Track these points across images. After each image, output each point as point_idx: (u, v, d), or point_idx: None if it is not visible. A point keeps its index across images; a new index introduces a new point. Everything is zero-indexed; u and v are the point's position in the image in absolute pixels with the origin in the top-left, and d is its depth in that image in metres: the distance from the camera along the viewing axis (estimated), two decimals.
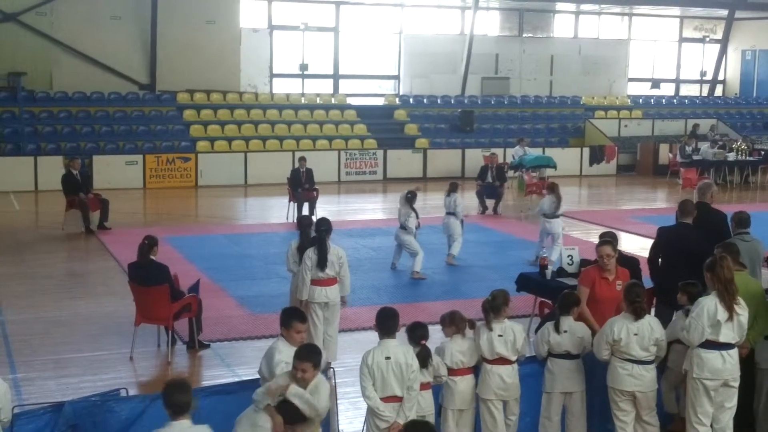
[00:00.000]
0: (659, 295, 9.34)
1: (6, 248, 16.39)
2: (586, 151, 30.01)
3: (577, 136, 31.45)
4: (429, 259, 14.76)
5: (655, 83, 37.70)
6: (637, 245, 15.97)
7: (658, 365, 7.48)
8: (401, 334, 6.95)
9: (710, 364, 7.10)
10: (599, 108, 33.51)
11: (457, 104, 31.75)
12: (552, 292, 10.03)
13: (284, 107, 29.22)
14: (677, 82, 38.57)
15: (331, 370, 7.35)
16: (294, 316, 6.73)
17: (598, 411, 7.69)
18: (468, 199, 21.56)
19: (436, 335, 7.43)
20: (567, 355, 7.50)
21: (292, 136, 27.91)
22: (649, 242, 10.17)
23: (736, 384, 7.22)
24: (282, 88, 31.20)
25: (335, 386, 7.21)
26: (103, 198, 18.39)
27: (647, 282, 9.30)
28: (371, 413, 6.64)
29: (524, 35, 34.83)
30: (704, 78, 38.27)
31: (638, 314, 7.28)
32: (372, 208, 22.90)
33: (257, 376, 6.82)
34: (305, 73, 31.21)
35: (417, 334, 7.06)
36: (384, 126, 29.74)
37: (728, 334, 7.10)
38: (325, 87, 32.09)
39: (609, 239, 8.76)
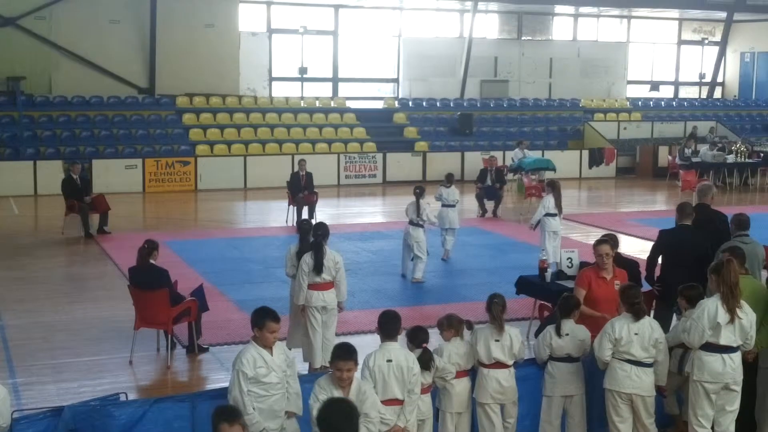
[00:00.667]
0: (659, 298, 9.33)
1: (5, 253, 16.38)
2: (586, 153, 30.02)
3: (577, 139, 31.46)
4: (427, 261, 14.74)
5: (654, 86, 37.71)
6: (636, 248, 15.96)
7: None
8: (401, 337, 6.95)
9: (710, 367, 7.10)
10: (598, 110, 33.53)
11: (457, 107, 31.76)
12: (551, 294, 10.03)
13: (283, 111, 29.23)
14: (676, 84, 38.59)
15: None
16: (267, 316, 6.60)
17: (597, 415, 7.68)
18: (467, 202, 21.60)
19: (433, 338, 7.42)
20: (568, 359, 7.50)
21: (292, 139, 27.91)
22: (649, 245, 10.17)
23: (738, 387, 7.20)
24: (281, 91, 31.21)
25: None
26: (105, 202, 18.33)
27: (646, 285, 9.31)
28: None
29: (523, 38, 34.85)
30: (703, 80, 38.28)
31: (638, 315, 7.28)
32: (371, 212, 22.89)
33: None
34: (304, 76, 31.21)
35: (418, 338, 7.06)
36: (383, 129, 29.74)
37: (729, 337, 7.09)
38: (324, 90, 32.09)
39: (606, 238, 8.77)
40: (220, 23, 29.26)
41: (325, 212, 19.91)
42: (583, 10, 35.35)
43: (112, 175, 24.28)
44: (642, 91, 37.39)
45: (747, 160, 27.57)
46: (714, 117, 34.35)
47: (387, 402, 6.53)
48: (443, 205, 15.74)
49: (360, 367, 6.58)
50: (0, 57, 26.71)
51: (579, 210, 22.33)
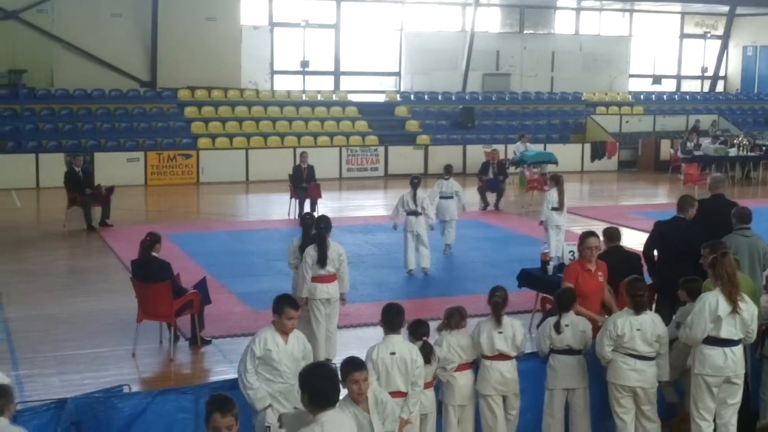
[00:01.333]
0: (657, 290, 9.33)
1: (8, 245, 16.40)
2: (588, 147, 30.00)
3: (579, 133, 31.42)
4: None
5: (657, 79, 37.65)
6: (638, 241, 15.86)
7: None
8: (404, 330, 6.95)
9: (711, 361, 7.10)
10: (600, 104, 33.47)
11: (458, 101, 31.72)
12: (553, 287, 10.00)
13: (285, 104, 29.22)
14: (678, 78, 38.53)
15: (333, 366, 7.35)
16: (286, 303, 6.76)
17: (599, 408, 7.68)
18: (470, 195, 21.58)
19: (435, 332, 7.44)
20: (569, 351, 7.50)
21: (294, 132, 27.90)
22: None
23: (740, 381, 7.21)
24: (283, 85, 31.18)
25: None
26: (107, 187, 18.27)
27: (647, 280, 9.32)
28: None
29: (525, 32, 34.80)
30: (705, 74, 38.21)
31: (639, 308, 7.28)
32: (373, 205, 22.89)
33: None
34: (306, 69, 31.19)
35: (419, 331, 7.07)
36: (385, 122, 29.73)
37: (730, 330, 7.09)
38: (326, 84, 32.06)
39: (593, 231, 8.84)
40: (222, 16, 29.23)
41: (327, 205, 19.92)
42: (585, 3, 35.32)
43: (114, 168, 24.26)
44: (644, 85, 37.33)
45: (749, 153, 27.56)
46: (716, 111, 34.29)
47: (390, 395, 6.53)
48: (441, 197, 15.65)
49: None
50: (2, 50, 26.70)
51: (581, 203, 22.32)
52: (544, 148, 27.62)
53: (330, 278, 9.59)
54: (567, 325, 7.51)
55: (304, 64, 31.01)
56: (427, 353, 6.94)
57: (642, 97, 35.19)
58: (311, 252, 9.51)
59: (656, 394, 7.45)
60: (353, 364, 5.74)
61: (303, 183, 19.37)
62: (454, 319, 7.36)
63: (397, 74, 33.32)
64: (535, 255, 13.19)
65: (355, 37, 32.49)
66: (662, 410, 7.66)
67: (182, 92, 28.24)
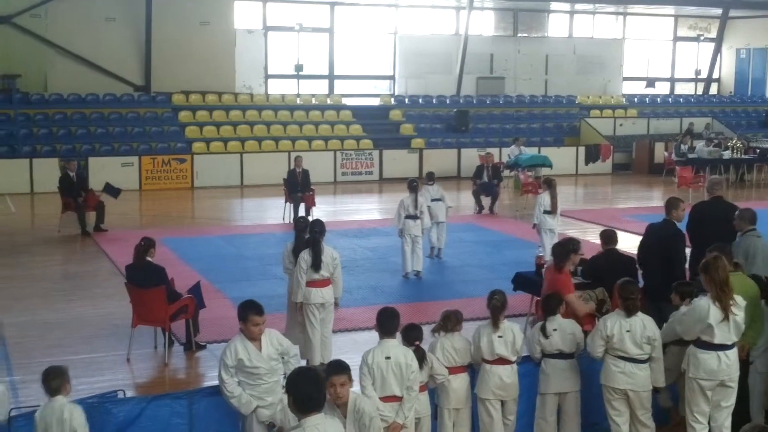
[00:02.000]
0: (644, 292, 9.34)
1: (2, 250, 16.36)
2: (582, 150, 30.05)
3: (573, 136, 31.49)
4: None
5: (650, 82, 37.77)
6: (632, 243, 15.90)
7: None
8: (398, 334, 6.96)
9: (705, 365, 7.10)
10: (594, 107, 33.55)
11: (453, 104, 31.77)
12: None
13: (280, 108, 29.22)
14: (672, 80, 38.64)
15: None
16: (250, 309, 6.79)
17: (593, 411, 7.69)
18: (464, 199, 21.61)
19: (429, 336, 7.43)
20: (560, 355, 7.50)
21: (288, 136, 27.91)
22: None
23: (734, 384, 7.21)
24: (277, 88, 31.20)
25: None
26: (99, 200, 18.35)
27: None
28: None
29: (519, 35, 34.87)
30: (699, 77, 38.33)
31: (631, 311, 7.30)
32: (368, 209, 22.90)
33: None
34: (300, 73, 31.20)
35: (411, 335, 7.07)
36: (380, 126, 29.75)
37: (724, 335, 7.08)
38: (320, 87, 32.09)
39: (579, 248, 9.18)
40: (216, 20, 29.23)
41: (321, 209, 19.91)
42: (579, 6, 35.40)
43: (108, 173, 24.10)
44: (638, 88, 37.44)
45: (743, 156, 27.60)
46: (710, 113, 34.40)
47: (385, 399, 6.55)
48: (432, 200, 15.64)
49: (358, 365, 6.60)
50: None
51: (575, 206, 22.34)
52: (539, 152, 27.70)
53: (324, 282, 9.59)
54: (555, 330, 7.52)
55: (299, 68, 31.02)
56: (419, 358, 6.93)
57: (636, 99, 35.28)
58: (306, 256, 9.50)
59: (650, 399, 7.45)
60: (332, 367, 5.80)
61: (298, 188, 19.34)
62: (451, 322, 7.37)
63: (392, 78, 33.37)
64: (530, 258, 13.24)
65: (350, 41, 32.54)
66: (657, 416, 7.66)
67: (176, 96, 28.23)
